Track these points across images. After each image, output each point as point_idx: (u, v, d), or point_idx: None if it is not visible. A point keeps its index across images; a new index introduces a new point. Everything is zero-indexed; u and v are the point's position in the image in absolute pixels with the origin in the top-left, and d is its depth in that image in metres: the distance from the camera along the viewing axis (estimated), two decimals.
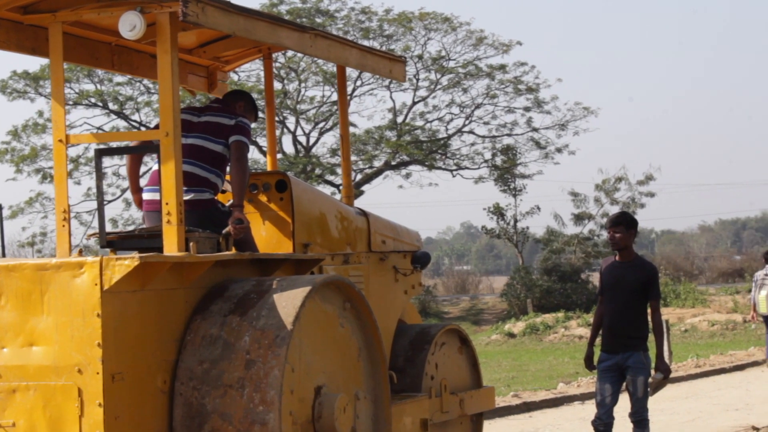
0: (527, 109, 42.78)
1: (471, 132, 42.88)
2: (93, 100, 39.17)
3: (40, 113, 39.16)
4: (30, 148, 39.24)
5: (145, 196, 7.91)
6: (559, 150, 43.19)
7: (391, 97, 42.41)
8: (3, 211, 7.91)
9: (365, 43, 36.71)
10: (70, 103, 37.95)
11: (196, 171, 7.69)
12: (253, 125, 8.30)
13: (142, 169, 8.45)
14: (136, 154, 7.84)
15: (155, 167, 7.57)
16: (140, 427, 6.59)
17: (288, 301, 6.95)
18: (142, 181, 8.02)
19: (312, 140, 42.17)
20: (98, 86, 39.02)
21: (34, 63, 37.25)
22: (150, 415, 6.68)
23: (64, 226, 7.06)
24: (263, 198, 8.39)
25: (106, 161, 37.60)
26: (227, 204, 7.94)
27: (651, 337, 9.76)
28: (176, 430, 6.79)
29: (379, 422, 7.91)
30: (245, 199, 8.33)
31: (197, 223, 7.38)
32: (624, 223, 9.72)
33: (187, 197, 7.22)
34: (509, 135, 42.95)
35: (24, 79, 38.45)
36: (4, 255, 7.79)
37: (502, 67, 42.05)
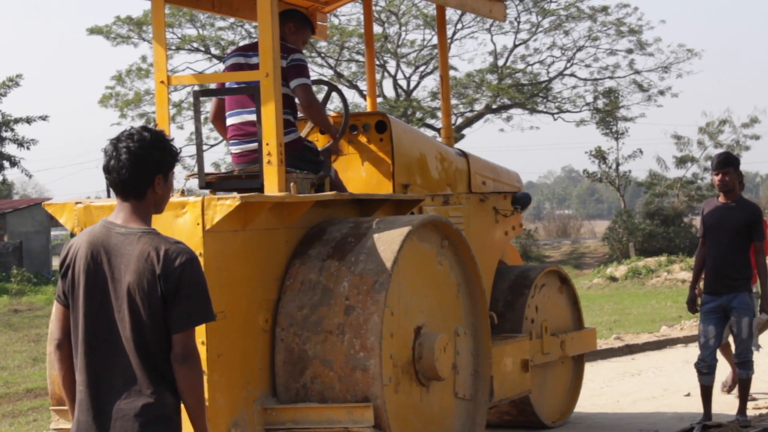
0: (629, 51, 42.13)
1: (572, 75, 42.40)
2: (195, 44, 39.42)
3: (144, 58, 39.50)
4: (134, 93, 39.63)
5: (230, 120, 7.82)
6: (661, 92, 42.52)
7: (491, 40, 42.33)
8: None
9: None
10: (173, 48, 38.22)
11: None
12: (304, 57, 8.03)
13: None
14: (234, 96, 7.70)
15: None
16: (243, 365, 6.65)
17: (386, 245, 6.94)
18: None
19: (412, 84, 42.05)
20: (200, 31, 39.24)
21: (137, 8, 37.53)
22: (252, 354, 6.75)
23: None
24: (363, 139, 8.37)
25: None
26: (321, 149, 7.89)
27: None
28: (278, 375, 6.85)
29: (480, 356, 7.91)
30: (345, 139, 8.31)
31: (291, 164, 7.37)
32: (733, 165, 9.63)
33: None
34: (611, 78, 42.39)
35: (127, 25, 38.78)
36: (108, 196, 7.88)
37: (604, 9, 41.42)
